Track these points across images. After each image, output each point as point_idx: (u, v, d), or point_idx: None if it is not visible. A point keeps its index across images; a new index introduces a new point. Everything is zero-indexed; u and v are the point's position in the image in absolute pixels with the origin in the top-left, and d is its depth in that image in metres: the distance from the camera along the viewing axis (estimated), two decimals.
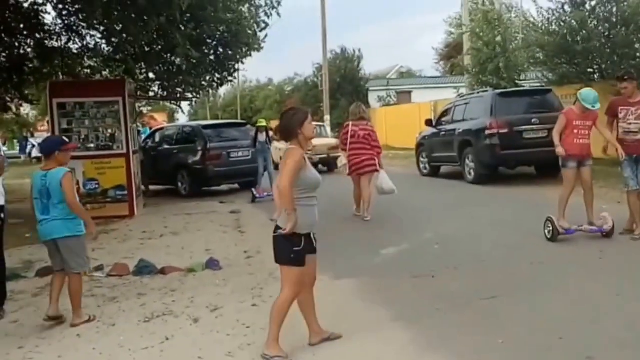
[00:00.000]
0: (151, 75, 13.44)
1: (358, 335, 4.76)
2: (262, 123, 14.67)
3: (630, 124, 7.49)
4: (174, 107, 58.37)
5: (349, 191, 10.64)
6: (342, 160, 10.55)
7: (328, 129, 34.62)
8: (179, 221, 11.02)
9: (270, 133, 14.27)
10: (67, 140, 6.57)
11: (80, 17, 12.29)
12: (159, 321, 5.44)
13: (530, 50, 18.91)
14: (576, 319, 4.86)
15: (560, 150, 7.54)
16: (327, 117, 34.19)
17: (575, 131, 7.49)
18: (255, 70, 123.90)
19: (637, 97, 7.52)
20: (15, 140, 39.19)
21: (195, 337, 4.99)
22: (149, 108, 40.14)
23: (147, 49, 12.02)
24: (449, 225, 9.26)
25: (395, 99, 36.62)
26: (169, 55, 11.11)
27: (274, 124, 10.71)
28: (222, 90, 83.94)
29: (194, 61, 11.98)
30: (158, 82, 13.50)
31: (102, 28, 11.74)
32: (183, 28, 10.39)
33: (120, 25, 10.67)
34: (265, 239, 9.04)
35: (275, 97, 54.40)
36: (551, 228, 7.49)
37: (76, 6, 11.43)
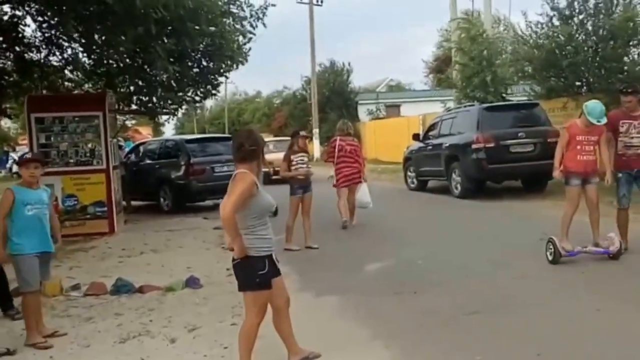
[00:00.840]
0: (132, 88, 13.37)
1: (337, 355, 4.75)
2: None
3: (632, 137, 7.38)
4: (160, 119, 58.32)
5: (327, 206, 10.71)
6: (330, 172, 11.20)
7: (317, 142, 34.87)
8: (160, 238, 10.95)
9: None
10: (29, 155, 6.46)
11: (60, 30, 12.27)
12: (134, 342, 5.39)
13: (519, 63, 19.08)
14: (556, 335, 4.87)
15: (556, 174, 7.33)
16: (315, 131, 34.36)
17: (579, 147, 7.13)
18: (245, 82, 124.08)
19: (637, 111, 7.41)
20: None
21: (171, 358, 4.95)
22: (134, 122, 40.06)
23: (128, 61, 12.00)
24: (433, 240, 9.30)
25: (384, 112, 36.79)
26: (148, 68, 11.04)
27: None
28: (210, 103, 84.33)
29: (177, 75, 11.97)
30: (136, 97, 13.41)
31: (83, 40, 11.68)
32: (164, 41, 10.35)
33: (99, 38, 10.65)
34: None
35: (263, 109, 54.53)
36: (553, 250, 7.13)
37: (56, 18, 11.39)
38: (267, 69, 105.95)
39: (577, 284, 6.38)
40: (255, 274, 4.12)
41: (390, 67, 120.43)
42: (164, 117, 17.33)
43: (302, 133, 9.50)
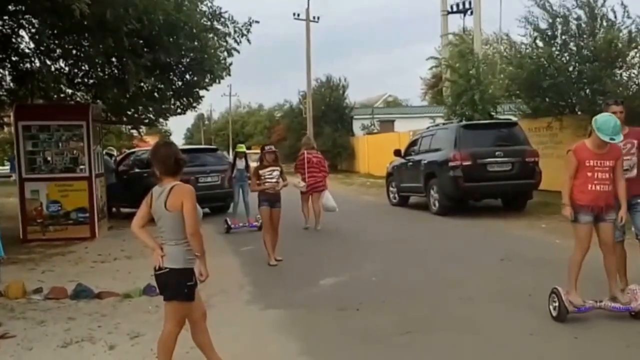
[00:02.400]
0: (121, 99, 13.45)
1: None
2: (242, 148, 13.82)
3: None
4: (167, 130, 58.67)
5: (290, 219, 10.81)
6: (301, 182, 12.09)
7: None
8: (137, 245, 10.77)
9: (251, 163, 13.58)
10: None
11: (55, 42, 12.38)
12: (75, 347, 5.42)
13: (505, 82, 19.07)
14: (483, 357, 4.85)
15: (566, 212, 5.72)
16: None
17: (590, 174, 5.60)
18: (250, 95, 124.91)
19: (625, 131, 5.91)
20: (5, 159, 39.28)
21: None
22: (144, 131, 40.38)
23: (107, 71, 12.10)
24: (396, 257, 9.29)
25: (378, 127, 36.84)
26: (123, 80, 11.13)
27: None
28: (216, 115, 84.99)
29: (159, 86, 12.06)
30: (118, 108, 13.51)
31: (59, 51, 11.81)
32: (137, 54, 10.42)
33: (74, 49, 10.73)
34: (215, 265, 9.10)
35: (265, 122, 54.79)
36: (557, 304, 5.58)
37: (47, 31, 11.51)
38: (271, 82, 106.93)
39: (521, 307, 6.27)
40: (185, 285, 4.14)
41: (390, 83, 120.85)
42: (166, 127, 17.43)
43: (269, 148, 9.49)
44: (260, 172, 9.14)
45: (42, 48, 11.76)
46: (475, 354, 4.94)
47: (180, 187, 4.16)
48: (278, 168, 9.22)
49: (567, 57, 16.45)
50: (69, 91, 14.16)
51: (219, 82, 13.76)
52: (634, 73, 15.56)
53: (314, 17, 35.13)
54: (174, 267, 4.17)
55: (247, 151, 14.58)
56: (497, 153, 13.34)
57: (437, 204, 13.95)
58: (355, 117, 37.76)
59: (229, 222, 12.56)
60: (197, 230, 4.10)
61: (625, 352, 4.85)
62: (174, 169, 4.23)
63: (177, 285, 4.18)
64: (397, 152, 16.42)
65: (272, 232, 9.12)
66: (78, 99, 14.12)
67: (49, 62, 12.58)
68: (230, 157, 30.81)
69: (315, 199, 12.26)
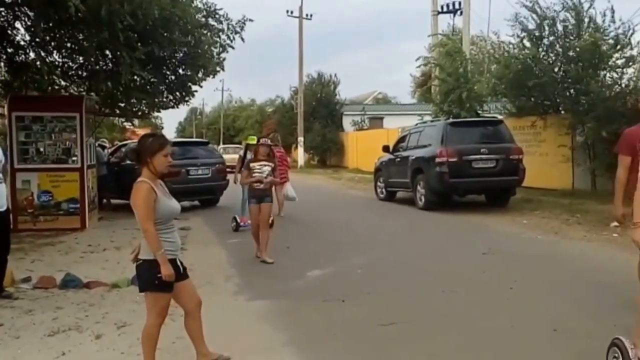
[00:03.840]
0: (114, 91, 13.33)
1: (247, 358, 4.70)
2: (253, 140, 12.34)
3: None
4: (160, 122, 58.34)
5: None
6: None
7: (301, 149, 34.86)
8: (126, 235, 10.89)
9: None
10: None
11: (50, 34, 12.24)
12: (62, 336, 5.34)
13: (492, 81, 19.10)
14: (464, 349, 4.82)
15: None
16: (300, 139, 34.40)
17: None
18: (243, 90, 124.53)
19: None
20: None
21: (89, 354, 4.90)
22: (136, 124, 40.20)
23: (101, 64, 11.99)
24: (382, 250, 9.28)
25: (368, 123, 36.84)
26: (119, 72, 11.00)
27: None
28: (208, 110, 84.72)
29: (152, 80, 11.96)
30: (111, 100, 13.37)
31: (53, 44, 11.67)
32: (132, 47, 10.29)
33: (69, 41, 10.61)
34: (203, 257, 9.11)
35: (256, 117, 54.67)
36: (620, 356, 3.92)
37: (43, 24, 11.36)
38: (264, 77, 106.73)
39: (501, 299, 6.28)
40: (155, 276, 4.07)
41: (381, 81, 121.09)
42: (158, 120, 17.32)
43: (264, 140, 9.01)
44: (252, 165, 8.74)
45: (37, 40, 11.60)
46: (457, 345, 4.92)
47: (135, 184, 4.10)
48: (271, 164, 8.71)
49: (553, 58, 16.53)
50: (63, 83, 14.01)
51: (213, 77, 13.73)
52: (617, 75, 15.62)
53: (306, 15, 35.07)
54: (144, 259, 4.13)
55: (233, 145, 14.41)
56: (482, 150, 13.38)
57: (423, 199, 13.96)
58: (345, 113, 37.76)
59: (238, 220, 11.59)
60: (146, 228, 4.01)
61: None
62: (137, 161, 4.20)
63: (148, 277, 4.13)
64: (385, 148, 16.41)
65: (262, 230, 8.58)
66: (72, 91, 13.96)
67: (43, 54, 12.42)
68: (221, 150, 30.81)
69: (279, 190, 12.64)
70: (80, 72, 13.10)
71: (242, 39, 13.51)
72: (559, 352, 4.70)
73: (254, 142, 12.07)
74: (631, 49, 15.50)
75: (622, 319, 5.40)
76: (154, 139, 4.26)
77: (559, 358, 4.59)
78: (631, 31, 15.15)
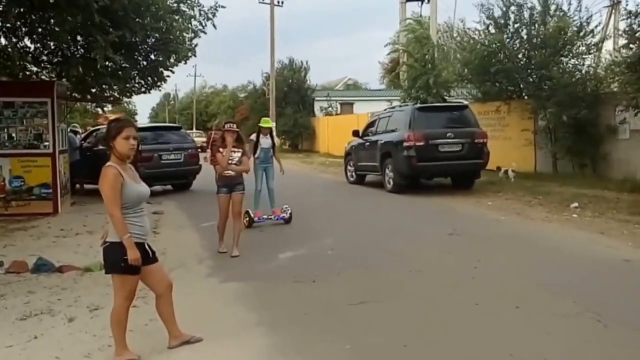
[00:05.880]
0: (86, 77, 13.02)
1: (219, 340, 4.65)
2: (267, 123, 10.69)
3: None
4: (132, 108, 57.36)
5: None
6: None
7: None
8: (99, 220, 10.65)
9: (276, 139, 11.42)
10: None
11: (21, 20, 11.87)
12: (34, 320, 5.24)
13: (458, 67, 19.21)
14: (430, 326, 4.86)
15: None
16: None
17: None
18: (215, 75, 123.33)
19: None
20: None
21: (61, 337, 4.81)
22: (108, 108, 39.53)
23: (73, 49, 11.70)
24: (352, 232, 9.29)
25: (339, 109, 36.81)
26: (92, 57, 10.72)
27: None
28: (181, 95, 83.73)
29: (124, 65, 11.70)
30: (81, 86, 13.06)
31: (25, 29, 11.34)
32: (105, 31, 10.04)
33: (40, 26, 10.31)
34: (175, 240, 9.02)
35: (228, 102, 54.22)
36: None
37: (14, 9, 11.00)
38: (236, 63, 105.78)
39: (466, 278, 6.33)
40: (121, 258, 4.01)
41: (350, 67, 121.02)
42: (130, 106, 16.98)
43: (229, 126, 8.08)
44: (220, 151, 8.01)
45: (8, 26, 11.25)
46: (423, 322, 4.96)
47: (103, 169, 4.07)
48: (240, 150, 7.97)
49: (518, 44, 16.66)
50: (35, 69, 13.66)
51: (185, 63, 13.52)
52: (579, 61, 15.86)
53: (278, 2, 34.68)
54: (110, 241, 4.08)
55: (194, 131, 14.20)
56: (448, 134, 13.45)
57: (391, 182, 14.01)
58: (316, 99, 37.64)
59: (252, 214, 10.05)
60: (111, 212, 3.98)
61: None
62: (106, 146, 4.15)
63: (114, 259, 4.08)
64: (355, 133, 16.40)
65: (234, 221, 7.89)
66: (43, 77, 13.61)
67: (14, 40, 12.07)
68: (194, 136, 30.46)
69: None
70: (51, 58, 12.76)
71: (214, 26, 13.34)
72: (522, 328, 4.76)
73: (269, 125, 10.69)
74: (593, 36, 15.75)
75: (581, 295, 5.52)
76: (114, 122, 4.20)
77: (522, 334, 4.65)
78: (593, 20, 15.40)
